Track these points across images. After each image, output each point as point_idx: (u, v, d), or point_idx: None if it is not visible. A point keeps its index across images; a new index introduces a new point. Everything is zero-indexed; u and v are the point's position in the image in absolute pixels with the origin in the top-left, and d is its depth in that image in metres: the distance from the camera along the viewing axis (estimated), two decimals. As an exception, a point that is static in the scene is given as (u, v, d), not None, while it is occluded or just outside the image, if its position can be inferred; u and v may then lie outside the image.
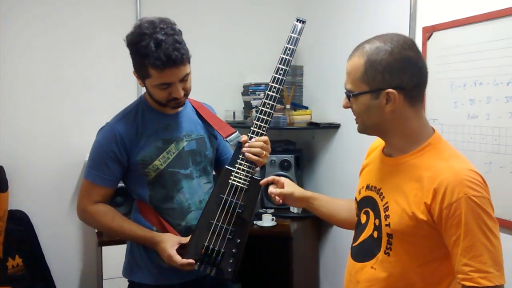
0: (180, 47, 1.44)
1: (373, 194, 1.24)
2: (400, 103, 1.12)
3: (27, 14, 2.72)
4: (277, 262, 2.96)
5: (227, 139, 1.67)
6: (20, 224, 2.69)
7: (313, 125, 2.90)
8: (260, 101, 1.58)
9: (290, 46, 1.51)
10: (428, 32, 2.08)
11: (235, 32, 3.20)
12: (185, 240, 1.52)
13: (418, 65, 1.13)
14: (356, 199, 1.34)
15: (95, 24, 2.85)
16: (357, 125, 1.23)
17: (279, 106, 2.94)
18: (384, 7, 2.41)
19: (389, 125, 1.16)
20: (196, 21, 3.06)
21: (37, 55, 2.76)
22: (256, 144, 1.52)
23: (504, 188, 1.76)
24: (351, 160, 2.68)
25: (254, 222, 2.76)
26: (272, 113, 1.52)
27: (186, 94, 1.55)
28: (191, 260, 1.49)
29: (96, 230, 2.63)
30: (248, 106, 3.07)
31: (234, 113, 3.11)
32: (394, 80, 1.11)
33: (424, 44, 2.09)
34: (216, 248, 1.50)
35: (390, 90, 1.10)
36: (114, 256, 2.18)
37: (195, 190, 1.63)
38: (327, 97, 2.97)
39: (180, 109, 1.65)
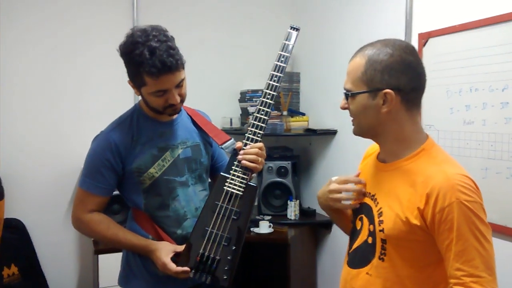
0: (174, 53, 1.44)
1: (367, 200, 1.24)
2: (396, 105, 1.14)
3: (24, 21, 2.72)
4: (274, 269, 2.95)
5: (222, 146, 1.67)
6: (16, 232, 2.68)
7: (310, 132, 2.91)
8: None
9: (284, 53, 1.53)
10: (424, 38, 2.09)
11: (232, 38, 3.20)
12: (181, 248, 1.51)
13: (417, 70, 1.15)
14: None
15: (92, 31, 2.86)
16: (352, 127, 1.24)
17: (276, 112, 2.94)
18: (380, 14, 2.42)
19: (383, 127, 1.17)
20: (193, 28, 3.06)
21: (33, 62, 2.76)
22: (252, 151, 1.52)
23: (500, 194, 1.76)
24: (348, 166, 2.67)
25: (251, 229, 2.75)
26: (267, 120, 1.53)
27: (182, 100, 1.55)
28: (186, 268, 1.48)
29: (92, 239, 2.61)
30: (245, 113, 3.07)
31: (231, 119, 3.11)
32: (393, 81, 1.12)
33: (420, 51, 2.10)
34: (211, 256, 1.49)
35: (387, 90, 1.12)
36: (110, 265, 2.17)
37: (191, 198, 1.62)
38: (324, 103, 2.97)
39: (175, 116, 1.65)
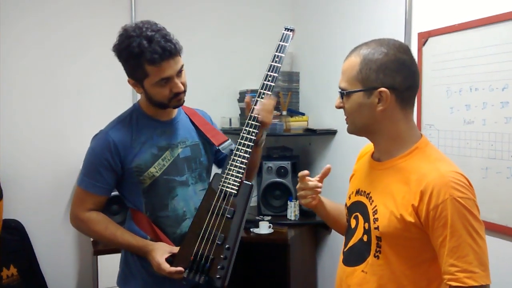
0: (171, 38, 1.47)
1: (362, 198, 1.25)
2: (391, 104, 1.15)
3: (23, 22, 2.72)
4: (274, 269, 2.94)
5: (220, 147, 1.68)
6: (15, 233, 2.67)
7: (310, 132, 2.90)
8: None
9: (279, 54, 1.56)
10: (424, 37, 2.08)
11: (231, 38, 3.20)
12: (177, 249, 1.51)
13: (411, 69, 1.17)
14: (346, 205, 1.35)
15: (91, 32, 2.85)
16: (347, 125, 1.26)
17: (275, 112, 2.93)
18: (380, 13, 2.41)
19: (378, 125, 1.18)
20: (192, 28, 3.06)
21: (32, 62, 2.75)
22: (264, 102, 1.54)
23: (501, 194, 1.75)
24: (348, 166, 2.64)
25: (251, 229, 2.75)
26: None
27: (185, 90, 1.56)
28: (179, 268, 1.47)
29: (91, 239, 2.61)
30: (244, 113, 3.06)
31: (230, 119, 3.10)
32: (388, 79, 1.13)
33: (419, 50, 2.09)
34: (204, 254, 1.48)
35: (383, 89, 1.13)
36: (110, 265, 2.16)
37: (191, 197, 1.62)
38: (323, 103, 2.97)
39: (174, 115, 1.65)
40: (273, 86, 1.54)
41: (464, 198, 1.05)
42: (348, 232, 1.30)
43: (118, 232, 1.57)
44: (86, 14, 2.85)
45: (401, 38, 2.17)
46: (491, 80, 1.77)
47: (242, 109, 3.11)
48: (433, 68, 2.03)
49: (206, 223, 1.51)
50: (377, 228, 1.16)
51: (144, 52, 1.42)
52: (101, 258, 2.51)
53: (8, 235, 2.60)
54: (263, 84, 1.54)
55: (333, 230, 2.88)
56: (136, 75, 1.50)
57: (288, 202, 2.90)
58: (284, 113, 2.97)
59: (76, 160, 2.69)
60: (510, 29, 1.70)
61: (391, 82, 1.13)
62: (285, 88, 3.06)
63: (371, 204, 1.21)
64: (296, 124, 2.97)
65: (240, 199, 1.51)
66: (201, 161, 1.67)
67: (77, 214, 1.57)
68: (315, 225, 2.95)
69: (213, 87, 3.13)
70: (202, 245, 1.49)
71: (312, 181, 1.41)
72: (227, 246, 1.48)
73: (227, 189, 1.52)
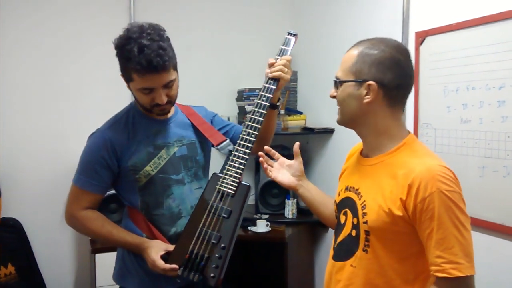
0: (164, 53, 1.43)
1: (351, 194, 1.27)
2: (378, 99, 1.18)
3: (22, 22, 2.71)
4: (271, 267, 2.95)
5: (218, 147, 1.68)
6: (13, 232, 2.67)
7: (308, 130, 2.91)
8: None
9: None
10: (421, 37, 2.09)
11: (230, 37, 3.19)
12: (173, 247, 1.52)
13: (405, 70, 1.20)
14: (335, 201, 1.37)
15: (90, 32, 2.85)
16: (337, 116, 1.28)
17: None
18: (377, 13, 2.41)
19: (364, 118, 1.22)
20: (191, 27, 3.06)
21: (31, 62, 2.75)
22: (279, 63, 1.57)
23: (497, 193, 1.75)
24: (345, 165, 2.67)
25: (249, 227, 2.75)
26: (262, 121, 1.55)
27: (171, 101, 1.55)
28: (174, 266, 1.48)
29: (89, 238, 2.61)
30: (242, 112, 3.06)
31: (228, 118, 3.10)
32: (379, 74, 1.17)
33: (417, 49, 2.10)
34: (200, 253, 1.49)
35: (371, 82, 1.17)
36: (108, 264, 2.15)
37: (186, 196, 1.62)
38: (321, 102, 2.97)
39: (170, 115, 1.65)
40: (274, 89, 1.57)
41: (450, 191, 1.08)
42: (338, 228, 1.32)
43: (114, 230, 1.57)
44: (86, 14, 2.85)
45: (398, 37, 2.17)
46: (488, 79, 1.77)
47: (240, 107, 3.11)
48: (430, 67, 2.03)
49: (202, 222, 1.51)
50: (365, 222, 1.18)
51: (131, 60, 1.42)
52: (99, 256, 2.51)
53: (6, 234, 2.60)
54: (264, 87, 1.57)
55: (330, 229, 2.90)
56: (124, 74, 1.51)
57: (286, 201, 2.91)
58: (282, 112, 2.97)
59: (74, 159, 2.65)
60: (507, 29, 1.70)
61: (381, 77, 1.16)
62: (283, 87, 3.06)
63: (360, 199, 1.23)
64: (294, 123, 2.98)
65: (237, 200, 1.52)
66: (197, 160, 1.67)
67: (72, 213, 1.58)
68: (313, 223, 2.96)
69: (212, 86, 3.13)
70: (198, 243, 1.50)
71: (281, 158, 1.54)
72: (222, 245, 1.48)
73: (225, 189, 1.52)
